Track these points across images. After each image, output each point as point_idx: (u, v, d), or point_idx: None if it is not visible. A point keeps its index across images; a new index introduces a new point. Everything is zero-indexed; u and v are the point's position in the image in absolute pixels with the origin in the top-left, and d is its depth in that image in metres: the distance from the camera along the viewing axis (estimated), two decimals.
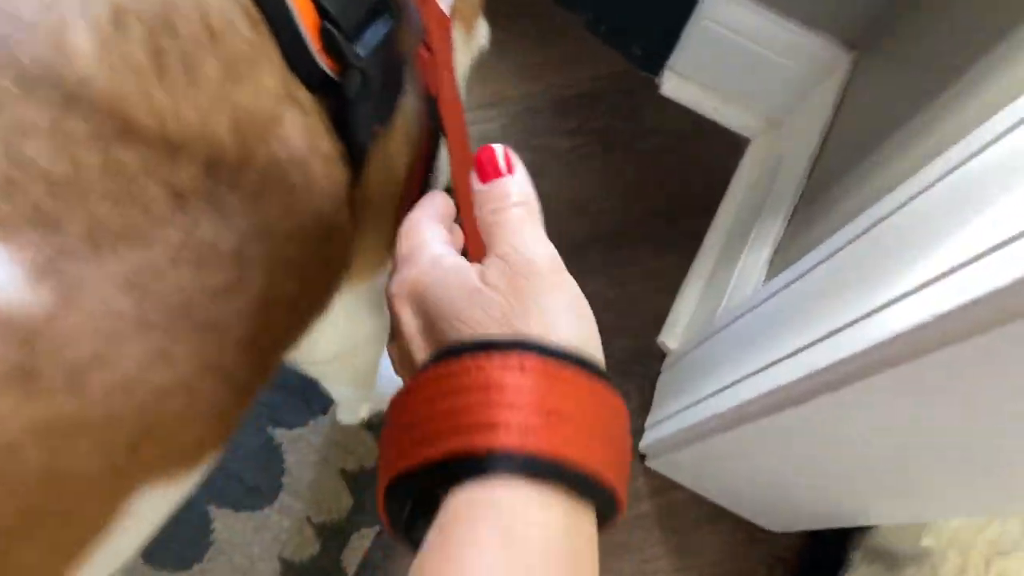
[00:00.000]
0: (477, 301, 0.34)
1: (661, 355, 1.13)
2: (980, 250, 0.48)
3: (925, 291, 0.53)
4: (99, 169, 0.31)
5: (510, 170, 0.38)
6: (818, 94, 1.10)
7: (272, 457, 1.02)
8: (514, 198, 0.38)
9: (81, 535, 0.35)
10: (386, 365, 1.05)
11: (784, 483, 0.94)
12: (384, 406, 0.99)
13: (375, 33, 0.41)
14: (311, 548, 1.00)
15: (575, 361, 0.31)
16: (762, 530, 1.07)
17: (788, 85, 1.15)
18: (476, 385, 0.30)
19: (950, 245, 0.52)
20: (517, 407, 0.29)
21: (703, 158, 1.24)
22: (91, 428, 0.32)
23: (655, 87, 1.26)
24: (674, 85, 1.24)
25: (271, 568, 0.99)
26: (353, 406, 1.01)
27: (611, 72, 1.26)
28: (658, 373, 1.12)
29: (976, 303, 0.47)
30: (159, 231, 0.33)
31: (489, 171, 0.38)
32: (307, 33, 0.37)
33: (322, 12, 0.38)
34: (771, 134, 1.20)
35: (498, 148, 0.39)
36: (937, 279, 0.51)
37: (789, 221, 0.99)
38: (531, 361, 0.30)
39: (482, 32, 0.66)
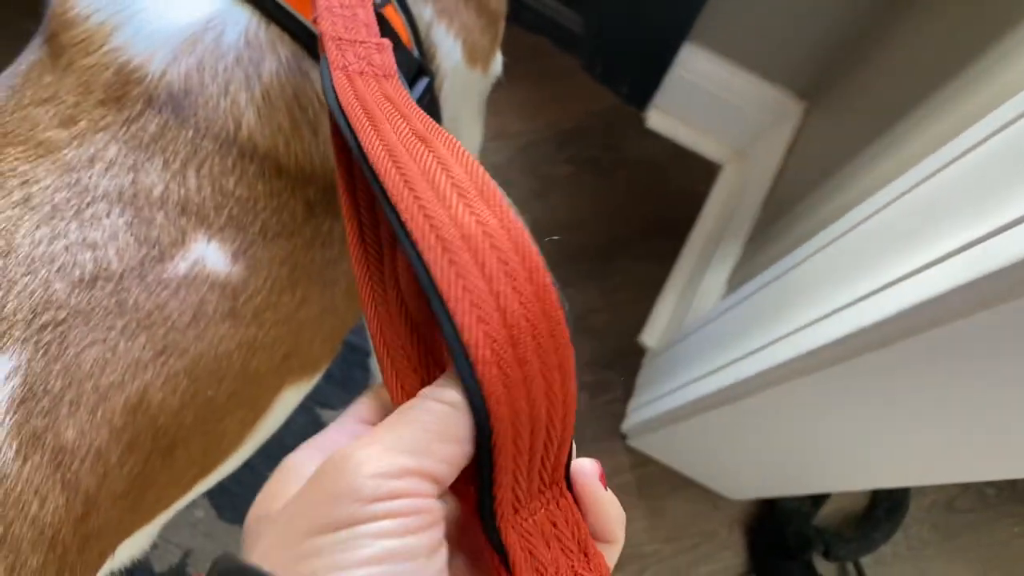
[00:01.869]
0: (280, 519, 0.25)
1: (642, 352, 1.25)
2: (891, 278, 0.59)
3: (845, 311, 0.66)
4: (264, 192, 0.47)
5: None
6: (774, 136, 1.23)
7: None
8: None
9: (257, 412, 0.52)
10: None
11: (741, 458, 1.06)
12: None
13: (417, 89, 0.53)
14: None
15: None
16: (723, 497, 1.19)
17: (750, 124, 1.27)
18: None
19: (866, 275, 0.66)
20: None
21: (682, 183, 1.35)
22: (266, 345, 0.49)
23: (641, 121, 1.36)
24: (658, 119, 1.36)
25: None
26: None
27: (603, 108, 1.37)
28: (639, 367, 1.25)
29: (884, 322, 0.58)
30: (300, 227, 0.50)
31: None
32: None
33: None
34: (738, 163, 1.34)
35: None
36: (854, 302, 0.66)
37: (745, 245, 1.14)
38: None
39: (497, 64, 0.68)
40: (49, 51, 0.47)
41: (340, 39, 0.39)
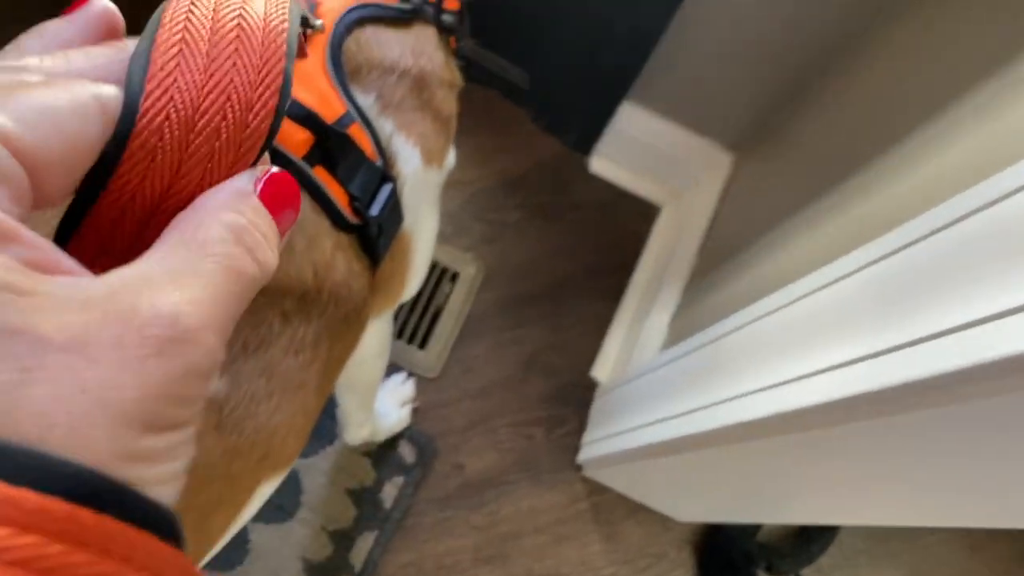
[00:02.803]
0: None
1: (594, 385, 1.31)
2: (810, 370, 0.64)
3: (769, 391, 0.73)
4: (246, 310, 0.53)
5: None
6: (706, 183, 1.29)
7: (292, 481, 1.21)
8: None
9: (238, 507, 0.57)
10: (386, 401, 1.24)
11: (688, 491, 1.13)
12: (379, 438, 1.19)
13: (382, 195, 0.58)
14: (326, 550, 1.17)
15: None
16: (673, 520, 1.26)
17: (684, 172, 1.32)
18: None
19: (790, 361, 0.72)
20: None
21: (625, 224, 1.41)
22: (245, 450, 0.53)
23: (585, 167, 1.42)
24: (600, 165, 1.41)
25: (296, 567, 1.17)
26: (355, 428, 1.14)
27: (549, 155, 1.42)
28: (591, 400, 1.32)
29: (803, 410, 0.63)
30: (276, 337, 0.53)
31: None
32: (344, 210, 0.54)
33: (350, 195, 0.55)
34: (675, 205, 1.39)
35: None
36: (776, 385, 0.72)
37: (685, 289, 1.20)
38: None
39: (451, 158, 0.73)
40: None
41: None
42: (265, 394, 0.55)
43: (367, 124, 0.57)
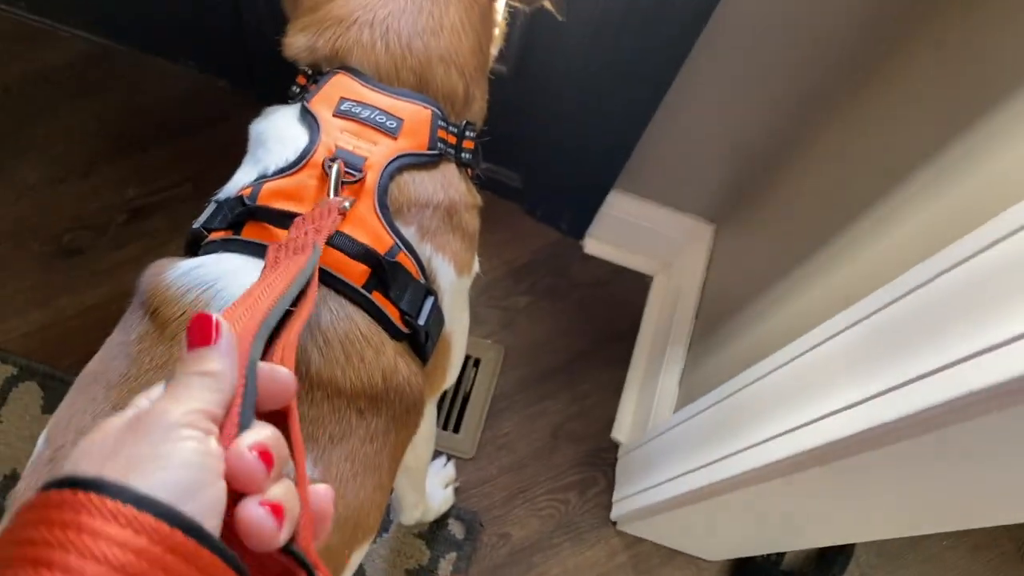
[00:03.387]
0: (101, 438, 0.31)
1: (616, 446, 1.43)
2: (817, 415, 0.76)
3: (779, 439, 0.83)
4: (328, 410, 0.62)
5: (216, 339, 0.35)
6: (692, 253, 1.43)
7: (357, 569, 1.31)
8: (204, 366, 0.34)
9: (337, 572, 0.66)
10: (431, 483, 1.35)
11: (717, 530, 1.22)
12: (429, 518, 1.29)
13: (427, 307, 0.69)
14: None
15: (163, 512, 0.27)
16: (705, 560, 1.36)
17: (670, 245, 1.47)
18: (47, 520, 0.26)
19: (790, 412, 0.85)
20: (84, 554, 0.25)
21: (624, 295, 1.55)
22: (339, 525, 0.63)
23: (580, 249, 1.57)
24: (594, 246, 1.56)
25: None
26: (409, 509, 1.24)
27: (547, 243, 1.57)
28: (616, 461, 1.43)
29: (815, 449, 0.75)
30: (355, 429, 0.64)
31: (196, 339, 0.35)
32: (398, 323, 0.65)
33: (402, 311, 0.66)
34: (666, 275, 1.53)
35: (213, 317, 0.35)
36: (781, 434, 0.85)
37: (688, 350, 1.34)
38: (112, 505, 0.26)
39: (476, 265, 0.83)
40: (154, 324, 0.61)
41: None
42: (351, 475, 0.65)
43: (411, 251, 0.69)
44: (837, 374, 0.76)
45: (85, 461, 0.29)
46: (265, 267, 0.52)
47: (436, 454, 1.39)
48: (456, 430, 1.42)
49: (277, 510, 0.31)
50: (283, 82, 0.78)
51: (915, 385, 0.63)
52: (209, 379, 0.33)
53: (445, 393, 1.44)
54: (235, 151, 0.75)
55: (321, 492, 0.36)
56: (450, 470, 1.38)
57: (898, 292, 0.69)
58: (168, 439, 0.30)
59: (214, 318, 0.35)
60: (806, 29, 1.01)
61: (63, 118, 1.60)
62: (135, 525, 0.26)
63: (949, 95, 0.81)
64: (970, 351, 0.56)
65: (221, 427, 0.33)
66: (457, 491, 1.38)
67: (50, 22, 1.66)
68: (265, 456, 0.32)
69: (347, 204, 0.65)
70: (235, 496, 0.31)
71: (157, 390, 0.35)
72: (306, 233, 0.57)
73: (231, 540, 0.30)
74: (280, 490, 0.32)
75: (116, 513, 0.26)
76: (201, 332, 0.35)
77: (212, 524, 0.29)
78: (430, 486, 1.33)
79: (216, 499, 0.30)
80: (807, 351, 0.82)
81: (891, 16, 0.94)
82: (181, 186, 1.55)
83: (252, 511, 0.31)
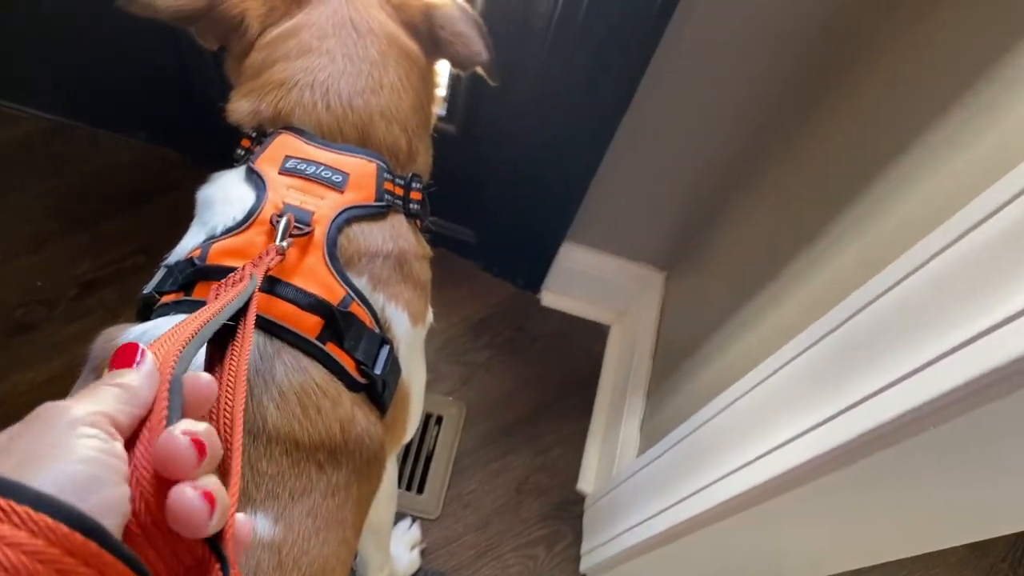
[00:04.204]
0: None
1: (582, 498, 1.42)
2: (773, 445, 0.78)
3: (740, 471, 0.85)
4: (287, 464, 0.61)
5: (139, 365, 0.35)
6: (645, 300, 1.46)
7: None
8: (117, 380, 0.33)
9: None
10: (396, 546, 1.32)
11: (688, 572, 1.25)
12: None
13: (382, 357, 0.69)
14: None
15: (62, 512, 0.26)
16: None
17: (623, 293, 1.49)
18: None
19: (749, 444, 0.86)
20: None
21: (582, 345, 1.56)
22: None
23: (537, 302, 1.58)
24: (550, 298, 1.57)
25: None
26: (375, 572, 1.19)
27: (504, 297, 1.58)
28: (583, 512, 1.42)
29: (771, 480, 0.75)
30: (315, 483, 0.63)
31: (119, 364, 0.35)
32: (354, 374, 0.65)
33: (357, 361, 0.66)
34: (622, 323, 1.56)
35: (139, 345, 0.35)
36: (741, 467, 0.86)
37: (648, 397, 1.35)
38: (5, 504, 0.25)
39: (429, 315, 0.85)
40: None
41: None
42: (314, 531, 0.64)
43: (364, 301, 0.70)
44: (789, 403, 0.77)
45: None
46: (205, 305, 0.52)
47: (400, 516, 1.36)
48: (420, 490, 1.40)
49: (209, 496, 0.30)
50: (233, 151, 0.79)
51: (868, 403, 0.64)
52: (120, 390, 0.33)
53: (407, 453, 1.43)
54: (187, 220, 0.75)
55: (241, 519, 0.36)
56: (415, 532, 1.35)
57: (841, 316, 0.71)
58: (68, 435, 0.29)
59: (140, 346, 0.35)
60: (743, 76, 1.06)
61: (14, 194, 1.59)
62: (30, 526, 0.25)
63: (881, 128, 0.85)
64: (911, 367, 0.58)
65: (137, 433, 0.32)
66: (423, 552, 1.35)
67: (1, 101, 1.66)
68: (198, 444, 0.31)
69: (285, 244, 0.65)
70: (164, 487, 0.30)
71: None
72: (243, 268, 0.57)
73: (135, 539, 0.29)
74: (211, 481, 0.31)
75: (10, 512, 0.25)
76: (125, 357, 0.34)
77: (112, 524, 0.28)
78: (396, 548, 1.30)
79: (118, 499, 0.29)
80: (760, 383, 0.84)
81: (826, 60, 0.99)
82: (133, 257, 1.54)
83: (186, 494, 0.30)
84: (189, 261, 0.67)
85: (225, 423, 0.37)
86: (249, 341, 0.44)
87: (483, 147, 1.29)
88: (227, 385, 0.39)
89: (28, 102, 1.65)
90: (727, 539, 0.97)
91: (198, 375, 0.37)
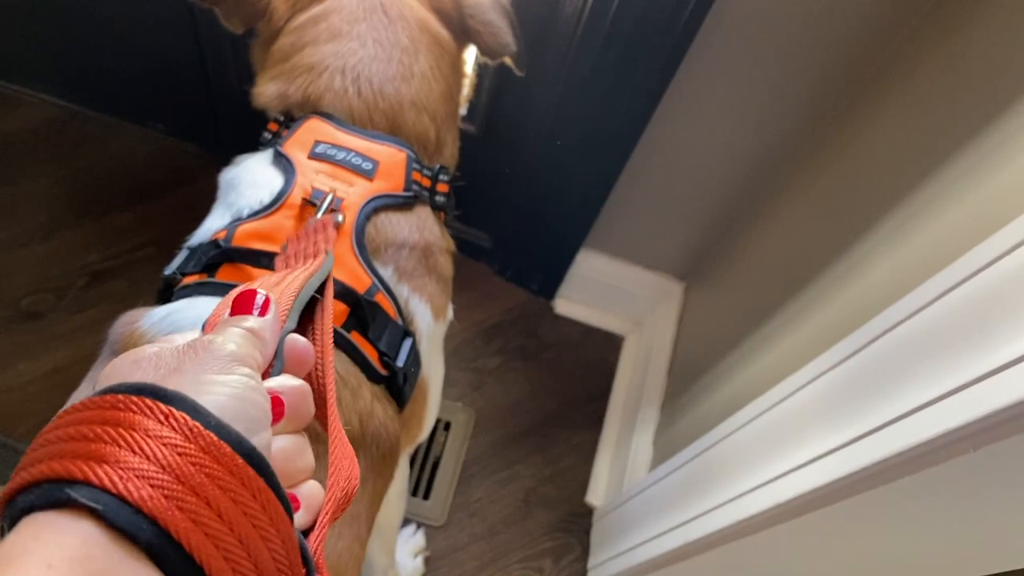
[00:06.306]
0: (155, 355, 0.31)
1: (591, 511, 1.39)
2: (790, 467, 0.77)
3: (753, 493, 0.85)
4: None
5: (263, 314, 0.36)
6: (663, 311, 1.44)
7: None
8: (248, 324, 0.35)
9: None
10: (400, 553, 1.31)
11: None
12: None
13: (405, 349, 0.68)
14: None
15: (215, 425, 0.28)
16: None
17: (641, 303, 1.48)
18: (103, 419, 0.27)
19: (765, 464, 0.85)
20: (136, 451, 0.26)
21: (596, 355, 1.54)
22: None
23: (551, 309, 1.56)
24: (565, 306, 1.56)
25: None
26: (379, 574, 1.20)
27: (518, 303, 1.56)
28: (591, 526, 1.40)
29: (789, 501, 0.74)
30: None
31: (241, 308, 0.36)
32: (375, 363, 0.64)
33: (380, 352, 0.65)
34: (638, 334, 1.55)
35: (262, 292, 0.37)
36: (757, 487, 0.84)
37: (662, 409, 1.33)
38: (167, 410, 0.27)
39: (450, 311, 0.83)
40: None
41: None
42: (331, 528, 0.64)
43: (389, 292, 0.70)
44: (811, 423, 0.75)
45: (139, 373, 0.30)
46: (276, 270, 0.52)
47: (405, 522, 1.35)
48: (426, 496, 1.39)
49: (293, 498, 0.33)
50: (249, 144, 0.79)
51: (889, 429, 0.63)
52: (254, 337, 0.34)
53: (415, 457, 1.42)
54: (201, 213, 0.74)
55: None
56: (420, 539, 1.34)
57: (866, 338, 0.69)
58: (226, 370, 0.31)
59: (263, 293, 0.37)
60: (770, 86, 1.04)
61: (27, 182, 1.59)
62: (186, 431, 0.27)
63: (910, 148, 0.83)
64: (939, 392, 0.57)
65: None
66: (427, 561, 1.34)
67: (16, 87, 1.67)
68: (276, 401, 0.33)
69: (340, 218, 0.65)
70: None
71: (193, 333, 0.36)
72: (315, 243, 0.58)
73: None
74: (311, 487, 0.35)
75: (170, 416, 0.27)
76: (245, 303, 0.36)
77: None
78: (400, 555, 1.29)
79: (267, 443, 0.31)
80: (779, 402, 0.82)
81: (854, 72, 0.98)
82: (144, 249, 1.54)
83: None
84: (213, 243, 0.67)
85: (318, 381, 0.40)
86: (330, 315, 0.45)
87: (503, 149, 1.28)
88: (316, 354, 0.40)
89: (44, 89, 1.66)
90: (740, 560, 0.96)
91: (295, 337, 0.38)
